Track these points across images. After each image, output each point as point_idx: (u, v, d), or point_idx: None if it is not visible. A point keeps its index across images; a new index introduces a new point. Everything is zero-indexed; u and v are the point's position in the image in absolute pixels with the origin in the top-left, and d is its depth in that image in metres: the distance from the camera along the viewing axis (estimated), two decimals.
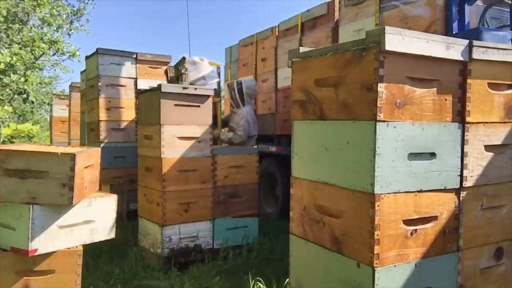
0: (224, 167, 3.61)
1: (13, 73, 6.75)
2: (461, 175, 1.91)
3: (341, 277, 1.85)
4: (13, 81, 6.81)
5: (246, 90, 4.61)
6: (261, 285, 2.76)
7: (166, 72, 4.22)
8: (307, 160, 2.07)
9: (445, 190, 1.87)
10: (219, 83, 5.03)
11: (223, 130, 4.68)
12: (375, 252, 1.69)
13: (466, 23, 2.98)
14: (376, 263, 1.69)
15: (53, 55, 10.93)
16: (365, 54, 1.73)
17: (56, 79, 14.09)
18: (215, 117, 4.69)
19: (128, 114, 4.90)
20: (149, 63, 5.02)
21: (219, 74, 4.93)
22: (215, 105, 4.84)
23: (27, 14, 9.62)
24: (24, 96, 7.22)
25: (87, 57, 5.22)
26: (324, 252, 1.95)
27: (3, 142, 7.43)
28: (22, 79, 6.91)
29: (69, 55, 10.78)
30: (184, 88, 3.41)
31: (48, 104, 11.65)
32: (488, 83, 1.97)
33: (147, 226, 3.55)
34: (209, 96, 3.52)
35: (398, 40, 1.68)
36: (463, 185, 1.92)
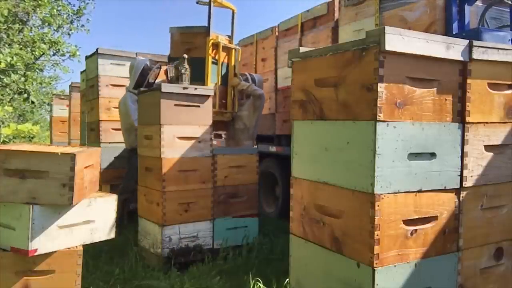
0: (224, 167, 3.61)
1: (14, 73, 6.76)
2: (461, 175, 1.91)
3: (341, 277, 1.85)
4: (13, 81, 6.82)
5: (257, 84, 4.57)
6: (261, 285, 2.76)
7: (166, 72, 4.21)
8: (307, 160, 2.07)
9: (445, 190, 1.87)
10: (232, 32, 4.45)
11: (241, 82, 4.41)
12: (375, 252, 1.69)
13: (466, 23, 2.98)
14: (376, 263, 1.69)
15: (53, 55, 10.93)
16: (365, 54, 1.73)
17: (56, 79, 14.09)
18: (233, 67, 4.34)
19: None
20: None
21: (233, 19, 4.45)
22: (229, 52, 4.32)
23: (27, 14, 9.62)
24: (25, 96, 7.22)
25: (87, 57, 5.22)
26: (324, 252, 1.95)
27: (3, 142, 7.43)
28: (22, 79, 6.91)
29: (69, 55, 10.78)
30: (184, 88, 3.41)
31: (48, 104, 11.65)
32: (488, 83, 1.97)
33: (147, 226, 3.55)
34: (209, 96, 3.52)
35: (398, 40, 1.68)
36: (463, 185, 1.92)
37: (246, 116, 4.46)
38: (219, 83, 4.20)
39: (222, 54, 4.22)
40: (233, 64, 4.36)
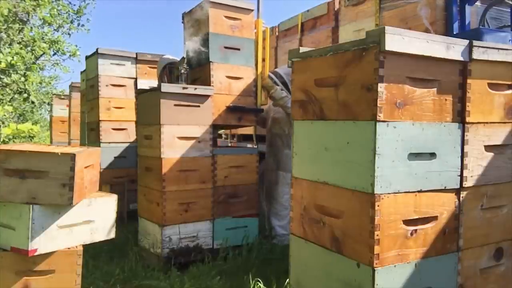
0: (224, 167, 3.61)
1: (14, 73, 6.76)
2: (461, 175, 1.91)
3: (341, 277, 1.85)
4: (13, 81, 6.82)
5: (287, 78, 3.96)
6: (261, 285, 2.76)
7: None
8: (307, 160, 2.07)
9: (445, 190, 1.87)
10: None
11: (277, 87, 3.90)
12: (375, 252, 1.69)
13: (466, 23, 2.98)
14: (376, 263, 1.69)
15: (54, 55, 10.94)
16: (365, 54, 1.73)
17: (56, 79, 14.08)
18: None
19: (128, 114, 4.90)
20: (149, 63, 5.03)
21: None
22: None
23: (27, 14, 9.62)
24: (25, 95, 7.23)
25: (87, 57, 5.22)
26: (324, 252, 1.95)
27: (3, 142, 7.43)
28: (23, 79, 6.92)
29: (69, 55, 10.78)
30: (184, 88, 3.41)
31: (48, 104, 11.65)
32: (488, 83, 1.97)
33: (147, 226, 3.55)
34: (209, 96, 3.52)
35: (398, 40, 1.68)
36: (463, 185, 1.92)
37: (284, 120, 3.96)
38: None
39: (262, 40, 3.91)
40: (268, 48, 4.02)
